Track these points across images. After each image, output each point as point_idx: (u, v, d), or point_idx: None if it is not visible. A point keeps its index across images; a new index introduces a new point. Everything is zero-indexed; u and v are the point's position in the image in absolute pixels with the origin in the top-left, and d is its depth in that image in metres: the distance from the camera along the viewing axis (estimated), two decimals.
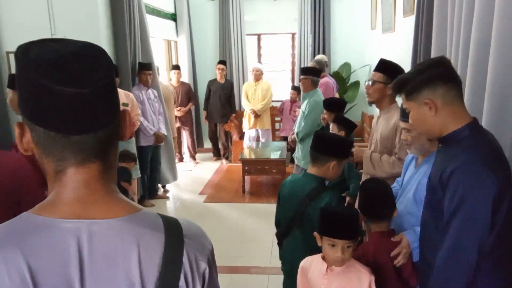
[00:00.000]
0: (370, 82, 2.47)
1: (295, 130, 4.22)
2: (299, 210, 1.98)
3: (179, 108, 6.27)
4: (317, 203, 1.93)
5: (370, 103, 2.56)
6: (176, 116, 6.29)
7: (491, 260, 1.35)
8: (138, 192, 4.69)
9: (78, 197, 0.71)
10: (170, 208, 5.01)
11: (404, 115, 1.91)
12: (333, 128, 3.29)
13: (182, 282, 0.72)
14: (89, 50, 0.72)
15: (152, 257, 0.71)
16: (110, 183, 0.76)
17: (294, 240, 2.08)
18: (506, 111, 1.62)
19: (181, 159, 6.82)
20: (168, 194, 5.34)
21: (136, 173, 4.29)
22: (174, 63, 6.75)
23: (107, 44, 4.27)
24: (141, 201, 4.84)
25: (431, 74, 1.40)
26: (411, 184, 1.95)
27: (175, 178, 5.47)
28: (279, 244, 2.21)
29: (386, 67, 2.46)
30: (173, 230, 0.76)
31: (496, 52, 1.62)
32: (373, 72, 2.50)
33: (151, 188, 5.05)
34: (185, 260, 0.73)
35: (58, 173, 0.72)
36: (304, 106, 4.14)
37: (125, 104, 4.11)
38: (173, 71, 6.23)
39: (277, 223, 2.21)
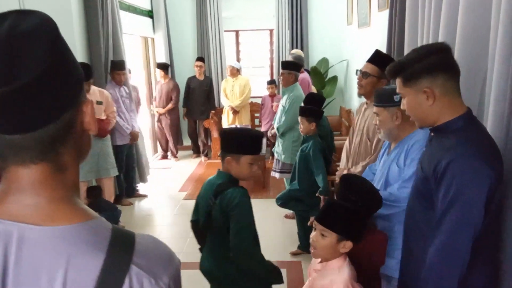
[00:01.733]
0: (362, 74, 2.41)
1: (275, 125, 4.24)
2: (207, 211, 1.86)
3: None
4: (222, 201, 1.79)
5: (360, 95, 2.52)
6: (159, 114, 6.36)
7: (480, 255, 1.35)
8: (114, 192, 4.64)
9: (18, 198, 0.63)
10: (148, 206, 4.95)
11: (377, 100, 1.95)
12: (302, 122, 3.22)
13: None
14: (20, 33, 0.59)
15: (83, 279, 0.60)
16: (62, 187, 0.66)
17: (207, 246, 1.98)
18: (469, 104, 1.66)
19: (164, 157, 6.80)
20: (146, 192, 5.28)
21: (113, 171, 4.23)
22: (151, 60, 6.69)
23: (80, 42, 4.20)
24: (118, 199, 4.78)
25: (433, 62, 1.35)
26: (383, 170, 1.99)
27: (143, 180, 5.34)
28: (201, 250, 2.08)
29: (381, 60, 2.38)
30: (119, 249, 0.64)
31: (460, 46, 1.66)
32: (366, 63, 2.43)
33: (128, 187, 4.99)
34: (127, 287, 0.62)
35: (2, 170, 0.65)
36: (284, 100, 4.16)
37: (99, 103, 4.04)
38: (158, 70, 6.25)
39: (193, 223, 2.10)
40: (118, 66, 4.55)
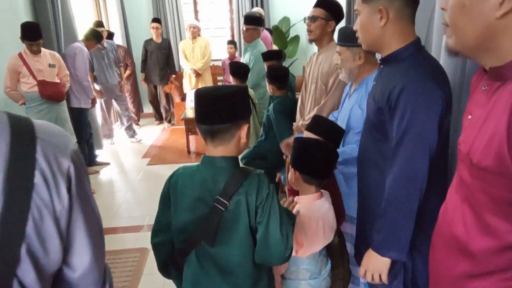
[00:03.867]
0: (311, 18, 2.42)
1: None
2: (214, 218, 1.26)
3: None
4: (243, 195, 1.26)
5: (311, 41, 2.52)
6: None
7: (433, 175, 1.37)
8: None
9: None
10: (113, 172, 4.80)
11: (341, 39, 1.96)
12: (271, 87, 3.13)
13: (38, 179, 0.66)
14: None
15: None
16: None
17: (200, 262, 1.33)
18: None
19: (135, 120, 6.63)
20: (109, 160, 5.12)
21: (72, 137, 4.03)
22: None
23: (24, 2, 3.89)
24: None
25: None
26: (345, 113, 2.00)
27: (99, 146, 5.23)
28: (175, 268, 1.42)
29: (326, 3, 2.41)
30: (22, 126, 0.68)
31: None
32: (313, 8, 2.44)
33: (90, 155, 4.81)
34: (39, 156, 0.67)
35: None
36: (247, 57, 4.05)
37: (52, 65, 3.79)
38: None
39: (158, 231, 1.40)
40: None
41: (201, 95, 1.26)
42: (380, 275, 1.43)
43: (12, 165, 0.64)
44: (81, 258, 0.75)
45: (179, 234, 1.33)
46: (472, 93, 1.08)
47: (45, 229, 0.67)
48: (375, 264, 1.42)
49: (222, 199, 1.24)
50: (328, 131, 1.79)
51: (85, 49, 4.45)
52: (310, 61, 2.69)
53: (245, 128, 1.29)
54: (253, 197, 1.25)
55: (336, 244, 1.81)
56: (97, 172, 4.74)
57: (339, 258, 1.80)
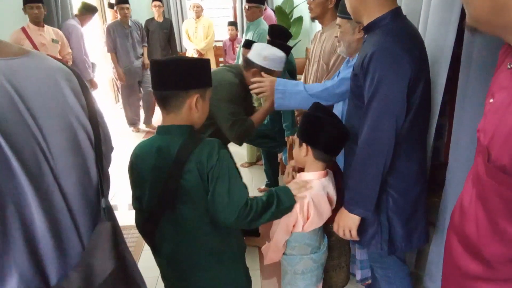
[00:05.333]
0: None
1: (240, 63, 4.10)
2: (171, 186, 1.28)
3: None
4: (194, 163, 1.27)
5: (313, 19, 2.51)
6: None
7: (407, 143, 1.43)
8: None
9: None
10: (114, 152, 4.79)
11: (342, 11, 1.93)
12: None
13: None
14: None
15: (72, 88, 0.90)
16: None
17: (172, 225, 1.37)
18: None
19: None
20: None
21: None
22: (105, 2, 6.23)
23: None
24: None
25: None
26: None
27: None
28: (150, 237, 1.43)
29: None
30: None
31: None
32: None
33: None
34: None
35: None
36: (250, 36, 4.00)
37: (55, 41, 3.76)
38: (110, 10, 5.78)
39: (134, 201, 1.44)
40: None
41: (155, 62, 1.31)
42: (350, 232, 1.52)
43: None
44: None
45: (146, 204, 1.37)
46: (497, 70, 0.97)
47: None
48: (345, 220, 1.52)
49: (175, 168, 1.27)
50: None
51: (80, 27, 4.37)
52: (314, 39, 2.66)
53: (194, 97, 1.30)
54: (203, 164, 1.27)
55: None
56: None
57: (339, 241, 1.80)
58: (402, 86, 1.32)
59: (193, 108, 1.32)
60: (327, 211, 1.61)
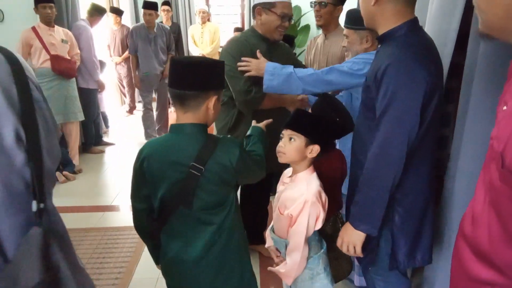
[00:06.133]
0: (320, 4, 2.45)
1: None
2: (191, 183, 1.30)
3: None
4: (214, 164, 1.31)
5: (319, 26, 2.55)
6: (116, 64, 6.03)
7: (416, 158, 1.39)
8: (80, 139, 4.51)
9: None
10: (118, 153, 4.84)
11: (348, 22, 1.97)
12: None
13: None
14: None
15: None
16: None
17: (179, 225, 1.39)
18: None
19: (133, 109, 6.57)
20: (113, 141, 5.17)
21: (80, 115, 4.07)
22: (114, 5, 6.30)
23: None
24: (88, 147, 4.72)
25: None
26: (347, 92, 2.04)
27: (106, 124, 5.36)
28: (153, 238, 1.47)
29: None
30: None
31: None
32: None
33: (96, 134, 4.86)
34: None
35: None
36: None
37: (65, 41, 3.81)
38: (111, 14, 5.81)
39: (139, 201, 1.44)
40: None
41: (176, 61, 1.33)
42: (354, 248, 1.47)
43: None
44: None
45: (158, 203, 1.37)
46: (509, 79, 0.97)
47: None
48: (350, 236, 1.47)
49: (197, 165, 1.29)
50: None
51: (89, 28, 4.41)
52: (312, 45, 2.68)
53: (213, 99, 1.33)
54: (226, 160, 1.33)
55: (337, 223, 1.81)
56: (102, 151, 4.79)
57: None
58: (416, 101, 1.28)
59: (210, 109, 1.34)
60: (326, 204, 1.58)
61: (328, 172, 1.68)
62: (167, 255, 1.42)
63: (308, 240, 1.55)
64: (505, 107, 0.90)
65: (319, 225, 1.51)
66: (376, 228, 1.42)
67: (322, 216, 1.51)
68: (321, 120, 1.54)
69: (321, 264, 1.61)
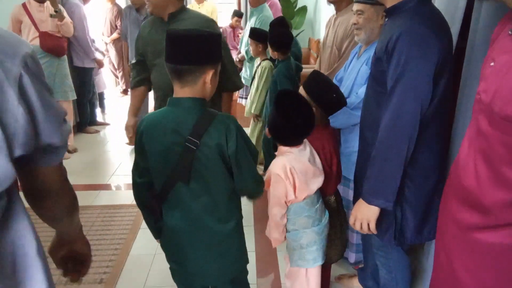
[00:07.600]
0: None
1: (243, 49, 4.10)
2: (187, 157, 1.30)
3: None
4: (209, 140, 1.30)
5: (330, 2, 2.49)
6: (105, 44, 5.88)
7: (428, 132, 1.38)
8: (75, 118, 4.47)
9: None
10: (113, 133, 4.81)
11: None
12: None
13: None
14: None
15: None
16: None
17: (180, 202, 1.39)
18: None
19: (127, 90, 6.49)
20: (108, 121, 5.14)
21: (72, 94, 4.01)
22: None
23: None
24: (83, 127, 4.69)
25: None
26: (352, 74, 1.97)
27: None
28: (153, 213, 1.49)
29: None
30: None
31: None
32: None
33: (91, 114, 4.82)
34: None
35: None
36: (253, 22, 3.98)
37: (54, 16, 3.66)
38: None
39: (140, 174, 1.44)
40: None
41: (171, 34, 1.28)
42: (368, 224, 1.46)
43: None
44: None
45: (157, 176, 1.38)
46: (494, 40, 1.03)
47: None
48: (363, 213, 1.45)
49: (193, 139, 1.28)
50: (321, 96, 1.71)
51: (82, 5, 4.29)
52: (329, 23, 2.62)
53: (210, 73, 1.31)
54: (223, 147, 1.31)
55: (333, 203, 1.83)
56: (97, 131, 4.76)
57: (336, 216, 1.82)
58: (429, 69, 1.27)
59: (207, 83, 1.32)
60: (314, 179, 1.64)
61: (318, 148, 1.73)
62: (167, 224, 1.43)
63: (295, 212, 1.65)
64: (492, 63, 0.97)
65: (290, 197, 1.59)
66: (391, 201, 1.39)
67: (290, 192, 1.58)
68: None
69: (304, 240, 1.67)
